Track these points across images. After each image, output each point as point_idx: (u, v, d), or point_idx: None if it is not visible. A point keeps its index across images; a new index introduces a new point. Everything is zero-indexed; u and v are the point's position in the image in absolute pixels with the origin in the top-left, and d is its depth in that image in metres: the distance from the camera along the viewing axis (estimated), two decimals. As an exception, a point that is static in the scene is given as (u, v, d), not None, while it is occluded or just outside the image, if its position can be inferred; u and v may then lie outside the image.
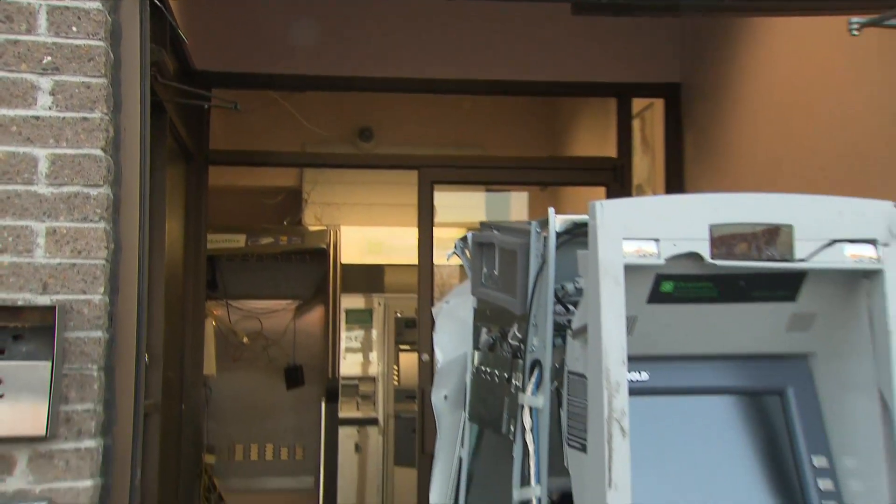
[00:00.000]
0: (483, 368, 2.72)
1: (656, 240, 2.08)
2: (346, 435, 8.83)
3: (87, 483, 2.56)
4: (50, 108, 2.64)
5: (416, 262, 6.46)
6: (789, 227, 2.13)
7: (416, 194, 6.42)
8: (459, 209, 7.65)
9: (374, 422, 8.86)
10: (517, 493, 2.34)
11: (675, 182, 6.12)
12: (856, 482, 2.27)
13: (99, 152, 2.65)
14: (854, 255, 2.18)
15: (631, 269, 2.07)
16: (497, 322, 2.66)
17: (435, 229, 6.42)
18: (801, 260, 2.14)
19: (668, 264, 2.09)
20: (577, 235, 2.37)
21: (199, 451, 6.62)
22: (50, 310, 2.52)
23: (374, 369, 8.95)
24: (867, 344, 2.22)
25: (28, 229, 2.60)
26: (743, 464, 2.30)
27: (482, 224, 2.80)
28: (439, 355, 3.00)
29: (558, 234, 2.33)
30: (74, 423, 2.57)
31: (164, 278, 5.13)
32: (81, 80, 2.66)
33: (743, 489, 2.28)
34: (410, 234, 6.80)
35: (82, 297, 2.61)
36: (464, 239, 2.89)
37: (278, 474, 9.15)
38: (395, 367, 8.80)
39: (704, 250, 2.09)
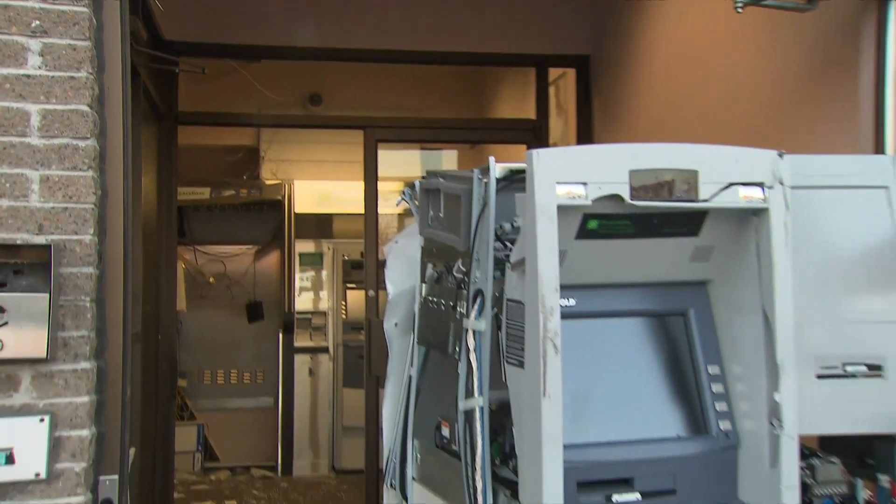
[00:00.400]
0: (430, 298, 2.73)
1: (584, 183, 2.10)
2: (301, 361, 8.94)
3: (84, 399, 2.55)
4: (40, 68, 2.57)
5: (361, 211, 6.47)
6: (695, 172, 2.17)
7: (360, 152, 6.40)
8: (398, 165, 7.64)
9: (325, 350, 8.95)
10: (462, 404, 2.37)
11: (585, 142, 6.17)
12: (741, 385, 2.34)
13: (85, 108, 2.60)
14: (746, 196, 2.23)
15: (562, 210, 2.09)
16: (442, 258, 2.67)
17: (378, 183, 6.39)
18: (705, 200, 2.18)
19: (594, 205, 2.11)
20: (513, 181, 2.39)
21: (174, 376, 6.62)
22: (46, 248, 2.48)
23: (325, 305, 9.01)
24: (754, 272, 2.28)
25: (23, 177, 2.55)
26: (653, 374, 2.36)
27: (428, 172, 2.80)
28: (390, 288, 3.01)
29: (497, 180, 2.35)
30: (71, 347, 2.55)
31: (142, 225, 5.10)
32: (68, 43, 2.59)
33: (653, 394, 2.34)
34: (355, 187, 6.82)
35: (74, 237, 2.58)
36: (411, 186, 2.89)
37: (242, 396, 9.22)
38: (343, 303, 8.85)
39: (625, 192, 2.12)
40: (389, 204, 8.17)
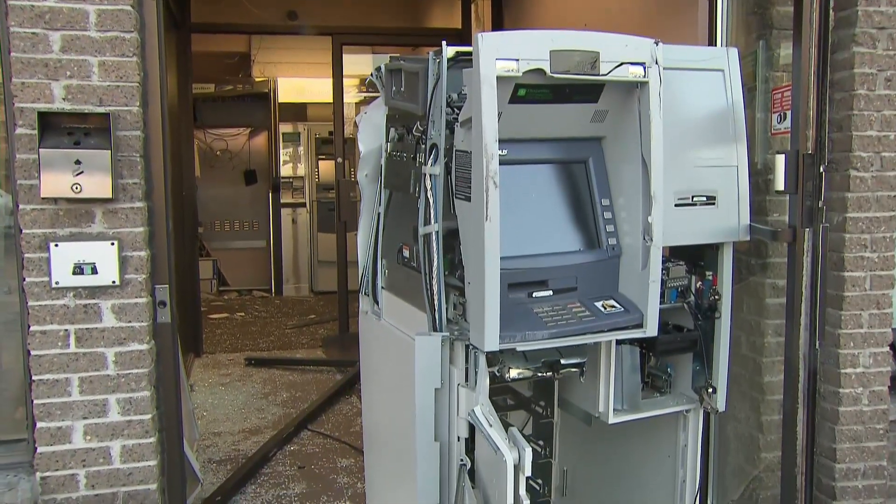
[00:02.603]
0: (394, 154, 2.60)
1: (517, 59, 1.97)
2: (286, 214, 8.81)
3: (140, 229, 2.43)
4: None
5: (329, 100, 6.22)
6: (597, 52, 2.06)
7: (328, 56, 6.10)
8: (355, 65, 7.28)
9: (303, 205, 8.77)
10: (421, 230, 2.28)
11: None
12: (623, 212, 2.29)
13: (129, 8, 2.36)
14: (632, 73, 2.12)
15: (499, 80, 1.97)
16: (403, 122, 2.53)
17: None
18: (604, 75, 2.08)
19: (524, 76, 1.99)
20: (458, 62, 2.24)
21: (195, 221, 6.45)
22: (105, 116, 2.31)
23: (302, 171, 8.79)
24: (636, 130, 2.20)
25: (86, 62, 2.33)
26: (562, 206, 2.29)
27: (392, 58, 2.63)
28: (362, 147, 2.85)
29: (448, 60, 2.20)
30: (128, 191, 2.40)
31: (168, 111, 4.81)
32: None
33: (562, 220, 2.29)
34: (325, 83, 6.55)
35: (125, 108, 2.38)
36: (378, 69, 2.71)
37: (243, 238, 9.05)
38: (316, 170, 8.65)
39: (546, 67, 2.00)
40: (349, 95, 7.94)
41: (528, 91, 2.06)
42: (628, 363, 2.47)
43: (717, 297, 2.45)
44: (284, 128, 8.60)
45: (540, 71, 2.00)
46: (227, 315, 7.71)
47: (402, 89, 2.48)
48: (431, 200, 2.24)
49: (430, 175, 2.25)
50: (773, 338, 2.96)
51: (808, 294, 2.09)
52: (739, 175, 2.36)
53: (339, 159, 6.09)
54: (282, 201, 8.74)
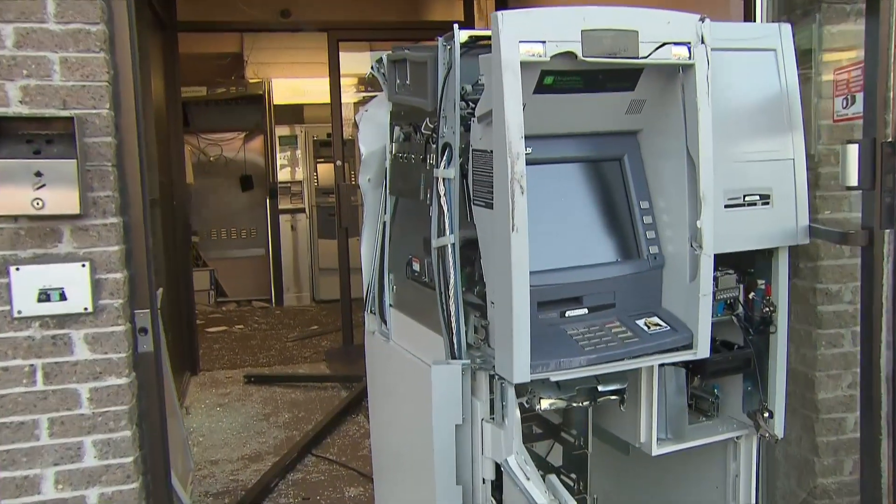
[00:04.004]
0: (400, 155, 2.34)
1: (543, 42, 1.71)
2: (284, 220, 8.54)
3: (115, 248, 2.17)
4: (51, -41, 2.07)
5: (326, 101, 5.96)
6: (635, 32, 1.79)
7: (324, 55, 5.86)
8: (352, 63, 7.02)
9: (302, 211, 8.52)
10: (435, 242, 2.02)
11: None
12: (665, 216, 2.03)
13: (94, -5, 2.10)
14: (676, 54, 1.86)
15: (523, 66, 1.70)
16: (410, 119, 2.27)
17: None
18: (643, 57, 1.81)
19: (552, 61, 1.73)
20: (473, 47, 1.98)
21: (188, 232, 6.20)
22: (70, 120, 2.04)
23: (300, 175, 8.54)
24: (679, 121, 1.94)
25: (45, 59, 2.07)
26: (595, 209, 2.03)
27: (394, 48, 2.37)
28: (363, 149, 2.59)
29: (461, 46, 1.94)
30: (100, 205, 2.15)
31: (154, 115, 4.58)
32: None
33: (596, 227, 2.02)
34: (321, 83, 6.33)
35: (93, 111, 2.12)
36: (379, 60, 2.45)
37: (241, 247, 8.79)
38: (315, 174, 8.40)
39: (578, 50, 1.74)
40: (347, 95, 7.68)
41: (555, 79, 1.80)
42: (673, 386, 2.20)
43: (771, 308, 2.18)
44: (281, 131, 8.36)
45: (570, 55, 1.73)
46: (226, 328, 7.45)
47: (408, 82, 2.22)
48: (446, 208, 1.98)
49: (444, 179, 1.98)
50: (828, 349, 2.70)
51: (891, 306, 1.82)
52: (796, 169, 2.09)
53: (339, 162, 5.83)
54: (280, 207, 8.50)
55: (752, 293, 2.19)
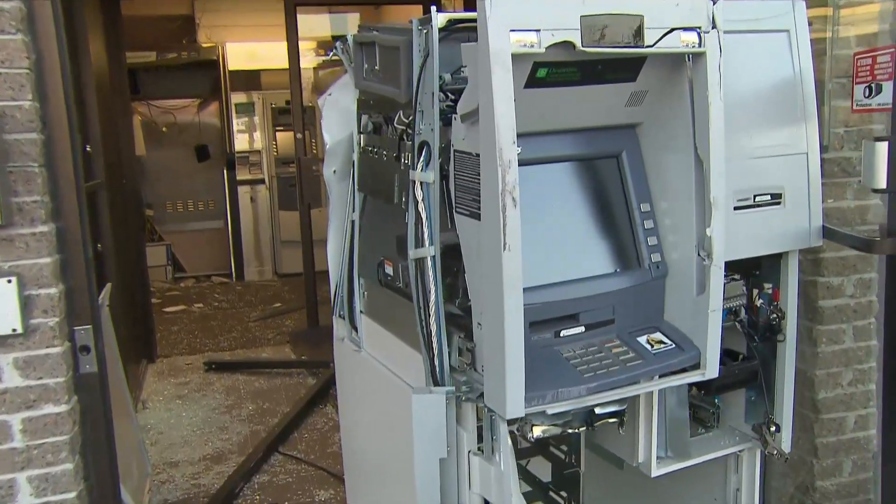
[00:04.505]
0: (370, 149, 2.11)
1: (537, 31, 1.48)
2: (243, 191, 8.16)
3: (47, 259, 1.91)
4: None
5: (283, 66, 5.65)
6: (640, 17, 1.57)
7: (279, 17, 5.53)
8: (309, 26, 6.68)
9: (261, 181, 8.16)
10: (412, 252, 1.81)
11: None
12: (668, 219, 1.85)
13: (3, -34, 1.80)
14: (685, 41, 1.65)
15: (513, 59, 1.48)
16: (380, 110, 2.04)
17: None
18: (649, 46, 1.60)
19: (547, 52, 1.51)
20: (453, 31, 1.75)
21: (140, 209, 5.89)
22: (-17, 115, 1.76)
23: (259, 145, 8.16)
24: (685, 114, 1.74)
25: (-53, 43, 1.78)
26: (590, 214, 1.83)
27: (361, 27, 2.12)
28: (327, 138, 2.35)
29: (439, 30, 1.70)
30: (27, 212, 1.88)
31: (95, 85, 4.23)
32: None
33: (592, 233, 1.83)
34: (278, 47, 5.97)
35: (13, 103, 1.84)
36: (343, 41, 2.20)
37: (198, 220, 8.45)
38: (274, 143, 8.05)
39: (577, 39, 1.52)
40: (306, 59, 7.33)
41: (549, 71, 1.58)
42: (674, 399, 2.04)
43: (779, 315, 2.02)
44: (237, 98, 7.95)
45: (568, 44, 1.51)
46: (184, 307, 7.17)
47: (377, 68, 1.98)
48: (424, 216, 1.76)
49: (422, 183, 1.76)
50: (828, 346, 2.56)
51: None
52: (810, 164, 1.92)
53: (299, 135, 5.53)
54: (238, 178, 8.14)
55: (759, 298, 2.02)
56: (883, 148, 1.65)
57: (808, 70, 1.90)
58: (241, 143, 8.17)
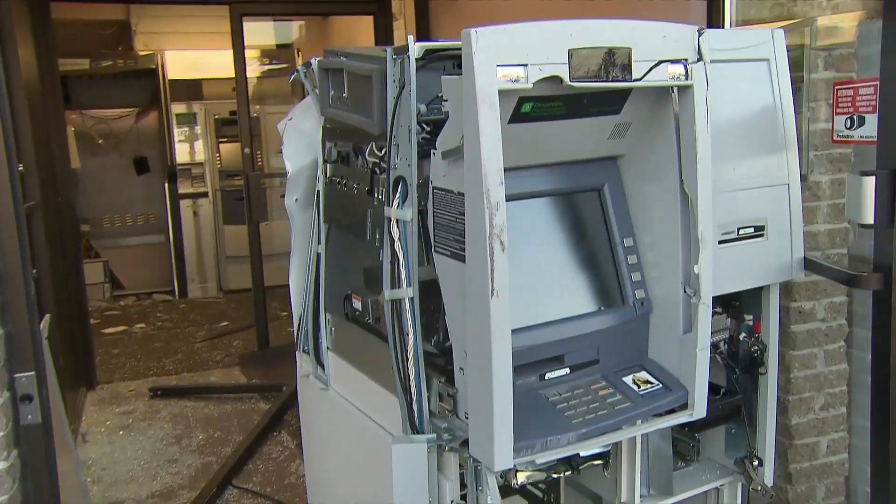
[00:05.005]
0: (337, 180, 2.03)
1: (524, 65, 1.43)
2: (185, 205, 7.91)
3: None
4: None
5: (226, 75, 5.54)
6: (628, 49, 1.53)
7: (222, 24, 5.38)
8: (254, 35, 6.53)
9: (204, 195, 7.93)
10: (388, 293, 1.73)
11: (422, 11, 5.31)
12: (650, 254, 1.81)
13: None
14: (672, 73, 1.61)
15: (500, 95, 1.42)
16: (348, 139, 1.96)
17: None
18: (638, 79, 1.55)
19: (534, 87, 1.45)
20: (430, 60, 1.68)
21: (77, 227, 5.64)
22: None
23: (201, 157, 7.94)
24: (669, 147, 1.71)
25: None
26: (572, 250, 1.79)
27: (326, 51, 2.03)
28: (288, 165, 2.26)
29: (416, 60, 1.63)
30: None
31: (26, 95, 4.02)
32: None
33: (574, 271, 1.78)
34: (220, 55, 5.82)
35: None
36: (307, 65, 2.11)
37: (138, 234, 8.18)
38: (218, 155, 7.85)
39: (565, 73, 1.46)
40: (251, 69, 7.14)
41: (535, 106, 1.52)
42: (657, 436, 2.00)
43: (760, 348, 2.01)
44: (177, 108, 7.73)
45: (555, 79, 1.46)
46: (125, 328, 6.91)
47: (346, 96, 1.90)
48: (401, 255, 1.69)
49: (398, 220, 1.69)
50: (801, 371, 2.58)
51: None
52: (791, 195, 1.90)
53: (247, 149, 5.38)
54: (180, 191, 7.90)
55: (741, 331, 2.00)
56: (870, 182, 1.64)
57: (787, 99, 1.89)
58: (182, 154, 7.94)
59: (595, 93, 1.56)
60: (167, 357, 6.02)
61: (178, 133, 7.86)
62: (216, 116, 7.79)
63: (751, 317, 2.02)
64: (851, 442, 2.70)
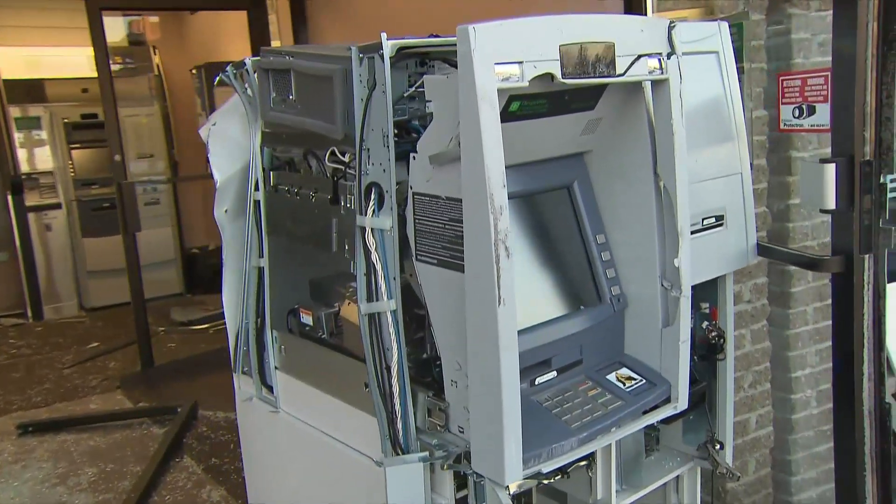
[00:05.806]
0: (285, 189, 1.91)
1: (519, 62, 1.39)
2: (34, 218, 7.28)
3: None
4: None
5: (74, 75, 5.06)
6: (612, 44, 1.53)
7: (65, 20, 4.97)
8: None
9: (57, 206, 7.33)
10: (364, 307, 1.64)
11: (298, 7, 5.15)
12: (623, 250, 1.83)
13: None
14: (650, 67, 1.62)
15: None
16: (298, 144, 1.85)
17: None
18: (621, 74, 1.55)
19: (529, 85, 1.42)
20: (401, 59, 1.61)
21: None
22: None
23: (49, 165, 7.33)
24: (642, 140, 1.73)
25: None
26: (548, 251, 1.77)
27: (264, 50, 1.91)
28: (217, 175, 2.11)
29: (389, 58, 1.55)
30: None
31: None
32: None
33: (553, 271, 1.77)
34: (66, 53, 5.33)
35: None
36: (238, 65, 1.97)
37: (-24, 254, 7.46)
38: (71, 162, 7.28)
39: (557, 70, 1.44)
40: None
41: (522, 104, 1.49)
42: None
43: (719, 334, 2.08)
44: (15, 111, 7.08)
45: (547, 76, 1.43)
46: (-26, 359, 6.29)
47: (293, 98, 1.79)
48: (379, 266, 1.61)
49: (375, 230, 1.60)
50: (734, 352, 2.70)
51: (871, 335, 1.78)
52: (744, 184, 1.98)
53: (118, 157, 5.01)
54: (28, 203, 7.25)
55: (699, 319, 2.07)
56: (831, 169, 1.73)
57: (736, 90, 1.96)
58: (25, 163, 7.31)
59: (576, 89, 1.55)
60: (31, 387, 5.52)
61: (20, 139, 7.22)
62: (66, 120, 7.22)
63: (706, 305, 2.09)
64: (775, 415, 2.87)
